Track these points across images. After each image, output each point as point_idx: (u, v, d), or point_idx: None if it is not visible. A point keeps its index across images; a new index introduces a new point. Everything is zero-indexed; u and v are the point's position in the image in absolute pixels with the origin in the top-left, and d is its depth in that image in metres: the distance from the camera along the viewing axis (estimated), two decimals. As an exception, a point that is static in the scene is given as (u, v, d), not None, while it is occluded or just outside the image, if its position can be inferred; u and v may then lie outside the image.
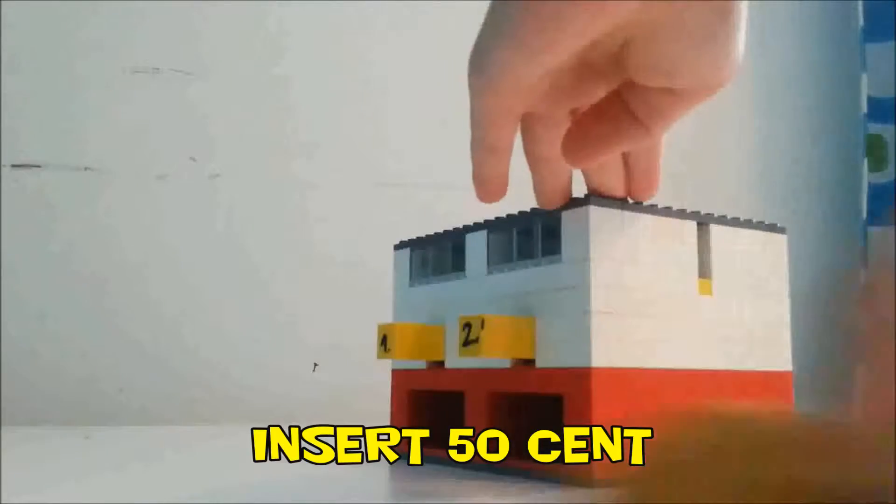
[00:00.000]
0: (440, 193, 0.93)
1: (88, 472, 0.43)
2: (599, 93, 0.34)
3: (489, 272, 0.41)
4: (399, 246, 0.50)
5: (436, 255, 0.46)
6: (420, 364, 0.46)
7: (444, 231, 0.45)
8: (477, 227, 0.43)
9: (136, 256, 0.84)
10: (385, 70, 0.95)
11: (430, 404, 0.47)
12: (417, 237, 0.48)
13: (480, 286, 0.42)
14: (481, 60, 0.30)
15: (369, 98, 0.94)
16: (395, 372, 0.48)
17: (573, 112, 0.35)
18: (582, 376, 0.35)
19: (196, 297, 0.86)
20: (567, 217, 0.37)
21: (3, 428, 0.67)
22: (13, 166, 0.81)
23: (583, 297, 0.36)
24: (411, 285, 0.48)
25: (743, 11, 0.29)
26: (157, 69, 0.86)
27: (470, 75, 0.31)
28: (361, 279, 0.89)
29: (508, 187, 0.36)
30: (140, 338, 0.83)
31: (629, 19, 0.28)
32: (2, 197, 0.80)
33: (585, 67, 0.32)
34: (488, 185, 0.35)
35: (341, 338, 0.87)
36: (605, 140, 0.33)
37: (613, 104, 0.33)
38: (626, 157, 0.38)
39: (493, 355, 0.37)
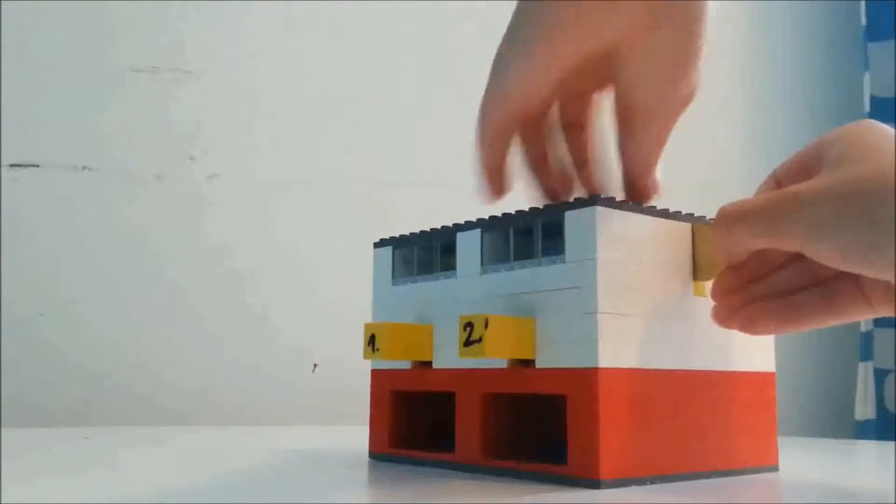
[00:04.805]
0: (440, 194, 0.93)
1: (87, 472, 0.43)
2: (584, 93, 0.41)
3: (483, 271, 0.42)
4: (379, 244, 0.49)
5: (421, 253, 0.46)
6: (402, 364, 0.46)
7: (431, 229, 0.45)
8: (469, 225, 0.43)
9: (133, 256, 0.84)
10: (382, 70, 0.95)
11: (413, 405, 0.47)
12: (400, 235, 0.48)
13: (473, 286, 0.42)
14: (499, 70, 0.37)
15: (368, 98, 0.95)
16: (375, 372, 0.48)
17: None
18: (588, 376, 0.35)
19: (195, 296, 0.86)
20: (571, 217, 0.37)
21: (2, 428, 0.67)
22: (11, 165, 0.81)
23: (589, 297, 0.36)
24: (394, 284, 0.47)
25: (704, 39, 0.35)
26: (156, 68, 0.86)
27: (489, 81, 0.38)
28: (357, 280, 0.89)
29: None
30: (139, 338, 0.83)
31: (613, 39, 0.35)
32: (1, 196, 0.80)
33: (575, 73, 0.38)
34: (494, 176, 0.40)
35: (340, 338, 0.88)
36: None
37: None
38: (621, 160, 0.41)
39: (496, 356, 0.37)
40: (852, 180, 0.33)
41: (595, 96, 0.42)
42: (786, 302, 0.39)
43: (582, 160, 0.44)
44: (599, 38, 0.34)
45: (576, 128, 0.43)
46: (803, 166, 0.38)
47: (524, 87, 0.36)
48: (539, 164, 0.43)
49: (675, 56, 0.35)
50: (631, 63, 0.36)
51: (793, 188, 0.35)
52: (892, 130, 0.36)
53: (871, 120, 0.36)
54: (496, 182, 0.40)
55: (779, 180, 0.40)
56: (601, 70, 0.37)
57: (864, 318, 0.38)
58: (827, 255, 0.34)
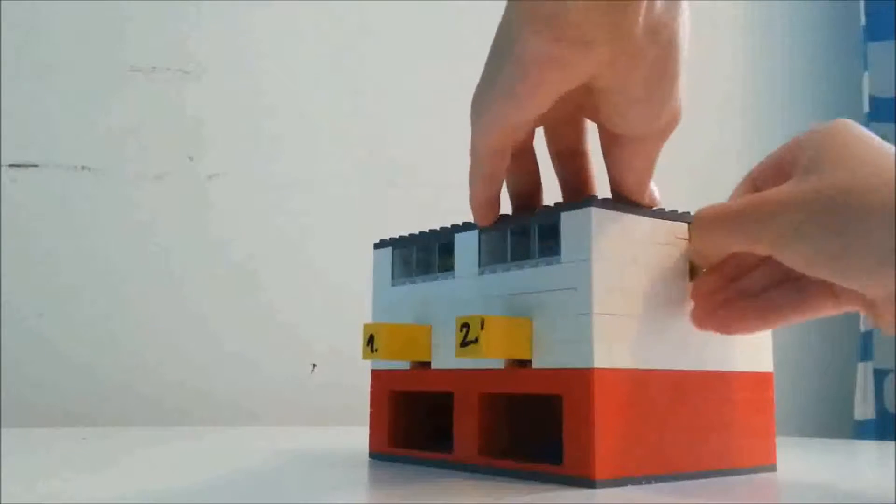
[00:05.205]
0: (439, 193, 0.93)
1: (87, 472, 0.43)
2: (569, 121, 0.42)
3: (480, 272, 0.42)
4: (379, 244, 0.49)
5: (420, 254, 0.46)
6: (401, 364, 0.46)
7: (430, 230, 0.46)
8: (467, 226, 0.43)
9: (133, 256, 0.84)
10: (382, 70, 0.96)
11: (412, 405, 0.47)
12: (400, 236, 0.48)
13: (471, 286, 0.42)
14: (480, 109, 0.37)
15: (367, 98, 0.95)
16: (374, 372, 0.49)
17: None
18: (583, 376, 0.36)
19: (194, 297, 0.86)
20: (567, 218, 0.38)
21: (2, 428, 0.68)
22: (11, 166, 0.81)
23: (584, 298, 0.36)
24: (393, 285, 0.48)
25: (680, 68, 0.35)
26: (154, 68, 0.86)
27: (472, 120, 0.38)
28: (358, 280, 0.89)
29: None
30: (138, 338, 0.84)
31: (591, 74, 0.35)
32: (1, 196, 0.80)
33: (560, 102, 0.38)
34: (485, 209, 0.41)
35: (338, 339, 0.88)
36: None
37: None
38: (612, 182, 0.41)
39: (493, 356, 0.38)
40: (822, 189, 0.34)
41: (584, 123, 0.42)
42: (759, 301, 0.40)
43: (571, 187, 0.44)
44: (577, 77, 0.34)
45: (564, 155, 0.43)
46: (778, 168, 0.39)
47: (508, 125, 0.37)
48: (525, 192, 0.43)
49: (652, 91, 0.35)
50: (611, 99, 0.36)
51: (765, 194, 0.36)
52: (866, 132, 0.36)
53: (846, 120, 0.37)
54: (487, 215, 0.41)
55: (755, 181, 0.41)
56: (583, 98, 0.38)
57: (832, 314, 0.40)
58: (793, 260, 0.35)
